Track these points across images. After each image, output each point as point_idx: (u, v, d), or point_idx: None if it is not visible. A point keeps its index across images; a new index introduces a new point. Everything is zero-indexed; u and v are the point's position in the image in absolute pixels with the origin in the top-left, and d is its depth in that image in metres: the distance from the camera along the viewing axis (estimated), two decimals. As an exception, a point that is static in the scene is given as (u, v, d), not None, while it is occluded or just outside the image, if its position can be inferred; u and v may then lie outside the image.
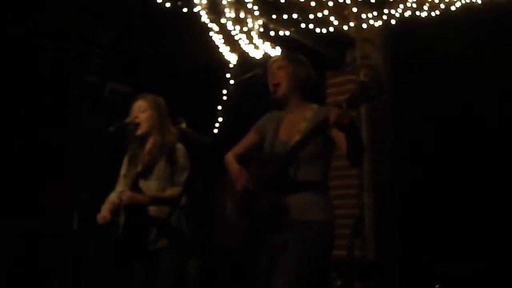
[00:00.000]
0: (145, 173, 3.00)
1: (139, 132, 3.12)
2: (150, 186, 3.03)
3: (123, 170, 3.22)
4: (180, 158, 3.08)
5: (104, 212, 3.06)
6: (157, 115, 3.13)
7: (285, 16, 4.32)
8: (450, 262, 4.44)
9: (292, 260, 2.39)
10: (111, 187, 3.27)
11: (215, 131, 4.64)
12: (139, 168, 3.09)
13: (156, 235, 2.96)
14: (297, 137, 2.50)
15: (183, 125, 3.38)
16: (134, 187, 2.99)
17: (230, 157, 2.68)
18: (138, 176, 3.01)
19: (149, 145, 3.14)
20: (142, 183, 3.01)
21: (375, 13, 4.69)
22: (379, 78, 2.25)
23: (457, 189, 4.87)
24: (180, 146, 3.13)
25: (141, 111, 3.13)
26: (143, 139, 3.16)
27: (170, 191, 3.02)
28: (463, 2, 4.45)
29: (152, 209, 3.00)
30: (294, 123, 2.58)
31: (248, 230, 2.52)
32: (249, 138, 2.75)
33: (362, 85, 2.22)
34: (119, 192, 3.15)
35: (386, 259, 4.73)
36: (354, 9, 4.65)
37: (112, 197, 3.17)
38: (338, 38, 4.79)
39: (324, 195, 2.54)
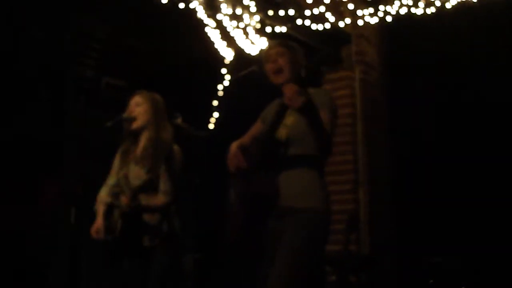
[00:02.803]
0: (147, 189, 2.98)
1: (134, 126, 3.09)
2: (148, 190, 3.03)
3: (115, 164, 3.21)
4: (176, 162, 3.05)
5: (98, 224, 3.03)
6: (153, 111, 3.11)
7: (281, 13, 4.34)
8: (444, 256, 4.49)
9: (286, 251, 2.39)
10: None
11: (211, 126, 4.66)
12: (133, 165, 3.08)
13: (149, 235, 2.98)
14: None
15: (179, 120, 3.37)
16: (134, 197, 2.98)
17: (233, 146, 2.69)
18: (139, 191, 2.99)
19: (143, 140, 3.11)
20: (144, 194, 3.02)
21: (371, 10, 4.71)
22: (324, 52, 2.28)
23: (452, 184, 4.91)
24: (177, 149, 3.11)
25: (138, 106, 3.12)
26: (137, 134, 3.15)
27: (159, 200, 3.02)
28: (458, -1, 4.48)
29: (145, 216, 3.02)
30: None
31: (246, 217, 2.53)
32: (255, 127, 2.76)
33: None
34: (111, 187, 3.13)
35: (381, 254, 4.77)
36: (350, 6, 4.67)
37: (103, 196, 3.15)
38: (334, 34, 4.80)
39: (318, 176, 2.51)
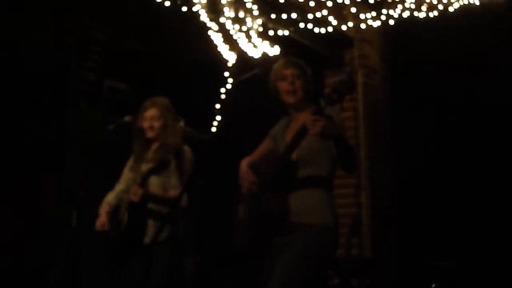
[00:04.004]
0: (158, 170, 3.01)
1: (151, 135, 3.15)
2: (154, 182, 3.05)
3: (126, 168, 3.23)
4: (186, 160, 3.11)
5: (103, 218, 3.08)
6: (170, 121, 3.18)
7: (284, 16, 4.34)
8: (446, 260, 4.48)
9: (287, 264, 2.40)
10: (109, 184, 3.27)
11: (214, 129, 4.65)
12: (145, 166, 3.10)
13: (154, 231, 2.98)
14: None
15: (182, 123, 3.39)
16: (143, 183, 3.01)
17: (243, 163, 2.70)
18: (150, 173, 3.02)
19: (155, 144, 3.19)
20: (153, 179, 3.04)
21: (373, 14, 4.71)
22: (347, 77, 2.32)
23: (453, 188, 4.91)
24: (187, 149, 3.16)
25: (155, 119, 3.16)
26: (148, 139, 3.19)
27: (171, 193, 3.04)
28: (461, 3, 4.48)
29: (152, 206, 3.03)
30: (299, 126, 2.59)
31: (255, 233, 2.54)
32: (264, 145, 2.79)
33: (333, 86, 2.28)
34: (118, 192, 3.16)
35: (383, 258, 4.77)
36: (353, 9, 4.67)
37: (109, 197, 3.18)
38: (337, 38, 4.80)
39: (327, 195, 2.54)
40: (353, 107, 5.01)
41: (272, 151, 2.71)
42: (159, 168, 3.00)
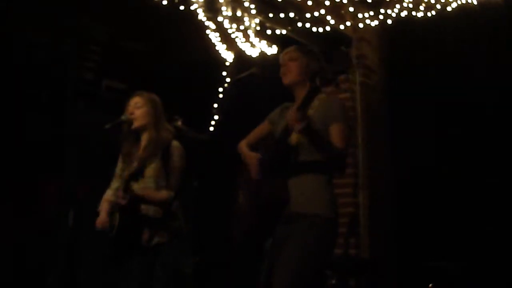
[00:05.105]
0: (136, 175, 3.01)
1: (135, 125, 3.13)
2: (143, 185, 3.04)
3: (118, 167, 3.23)
4: (175, 157, 3.07)
5: (103, 217, 3.07)
6: (153, 111, 3.14)
7: (281, 15, 4.34)
8: (443, 260, 4.47)
9: (291, 256, 2.39)
10: (106, 184, 3.28)
11: (211, 128, 4.66)
12: (133, 166, 3.10)
13: (151, 232, 2.98)
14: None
15: (179, 123, 3.39)
16: (126, 187, 3.00)
17: (243, 145, 2.69)
18: (130, 178, 3.02)
19: (143, 142, 3.15)
20: (136, 184, 3.03)
21: (371, 13, 4.70)
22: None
23: (453, 188, 4.90)
24: (176, 144, 3.13)
25: (137, 107, 3.14)
26: (137, 136, 3.17)
27: (162, 194, 3.03)
28: (459, 2, 4.48)
29: (146, 208, 3.02)
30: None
31: (255, 220, 2.53)
32: (262, 127, 2.78)
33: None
34: (115, 189, 3.16)
35: (380, 257, 4.75)
36: (351, 9, 4.67)
37: (108, 195, 3.18)
38: (335, 37, 4.80)
39: (327, 182, 2.52)
40: (352, 106, 5.00)
41: (270, 133, 2.70)
42: (137, 174, 2.99)
